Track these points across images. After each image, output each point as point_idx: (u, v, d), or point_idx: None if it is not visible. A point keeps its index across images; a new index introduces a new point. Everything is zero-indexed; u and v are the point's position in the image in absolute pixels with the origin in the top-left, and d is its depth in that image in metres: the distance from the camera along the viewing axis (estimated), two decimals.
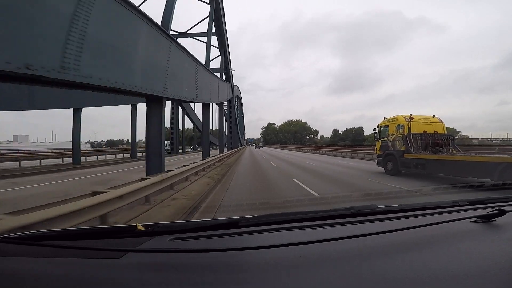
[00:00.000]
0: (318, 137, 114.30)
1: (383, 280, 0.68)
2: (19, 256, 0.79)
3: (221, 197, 5.95)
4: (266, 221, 1.05)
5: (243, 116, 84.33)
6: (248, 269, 0.75)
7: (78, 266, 0.74)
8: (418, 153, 9.34)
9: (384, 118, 11.37)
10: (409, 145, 9.52)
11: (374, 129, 11.93)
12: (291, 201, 5.10)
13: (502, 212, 1.05)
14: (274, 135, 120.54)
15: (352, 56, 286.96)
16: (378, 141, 11.43)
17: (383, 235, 0.94)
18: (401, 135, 10.01)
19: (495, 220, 1.05)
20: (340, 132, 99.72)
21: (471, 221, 1.06)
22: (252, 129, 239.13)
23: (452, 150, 9.65)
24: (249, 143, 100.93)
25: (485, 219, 1.05)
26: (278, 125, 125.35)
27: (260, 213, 1.14)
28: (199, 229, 1.00)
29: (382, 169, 10.68)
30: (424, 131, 9.91)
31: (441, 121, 10.55)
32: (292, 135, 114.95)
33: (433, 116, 10.62)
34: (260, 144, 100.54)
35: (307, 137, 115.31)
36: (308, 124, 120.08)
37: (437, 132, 10.10)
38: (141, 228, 0.93)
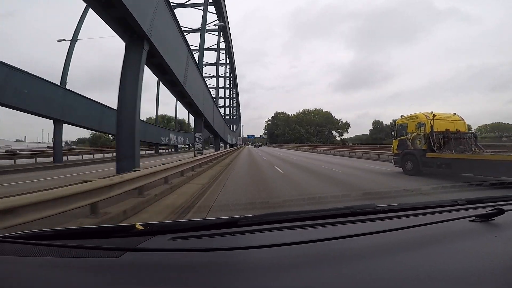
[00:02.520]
0: (348, 132, 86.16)
1: (382, 279, 0.68)
2: (17, 255, 0.78)
3: None
4: (265, 221, 1.05)
5: (236, 88, 53.52)
6: (247, 268, 0.76)
7: (77, 265, 0.74)
8: (441, 152, 8.99)
9: (401, 116, 10.97)
10: (432, 144, 9.15)
11: (390, 128, 11.71)
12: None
13: (501, 211, 1.05)
14: (288, 128, 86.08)
15: (355, 53, 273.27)
16: (395, 139, 11.07)
17: (382, 235, 0.94)
18: (422, 134, 9.63)
19: (494, 219, 1.04)
20: (383, 124, 69.06)
21: (470, 220, 1.06)
22: (252, 128, 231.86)
23: (474, 149, 9.32)
24: (249, 142, 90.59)
25: (484, 218, 1.05)
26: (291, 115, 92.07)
27: (259, 212, 1.13)
28: (198, 229, 1.00)
29: (400, 169, 10.37)
30: (446, 129, 9.55)
31: (462, 119, 10.12)
32: (315, 128, 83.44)
33: (454, 114, 10.21)
34: (260, 143, 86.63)
35: (333, 132, 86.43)
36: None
37: (459, 130, 9.75)
38: (140, 227, 0.93)
